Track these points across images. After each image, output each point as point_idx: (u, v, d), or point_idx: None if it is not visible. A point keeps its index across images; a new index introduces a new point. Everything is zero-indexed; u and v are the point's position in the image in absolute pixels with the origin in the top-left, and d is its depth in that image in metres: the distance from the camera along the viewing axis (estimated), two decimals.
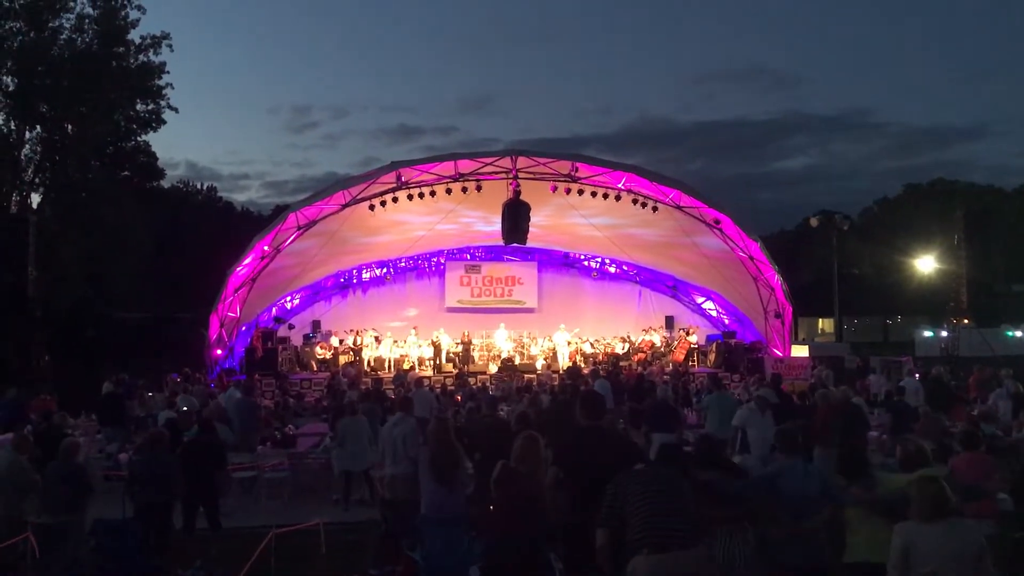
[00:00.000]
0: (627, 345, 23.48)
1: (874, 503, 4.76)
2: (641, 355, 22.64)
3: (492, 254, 25.57)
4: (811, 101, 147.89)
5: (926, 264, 30.47)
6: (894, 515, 4.31)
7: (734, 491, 5.03)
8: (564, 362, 21.90)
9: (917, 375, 14.83)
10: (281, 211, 21.98)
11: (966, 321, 28.23)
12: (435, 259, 25.75)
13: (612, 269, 26.14)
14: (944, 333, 27.82)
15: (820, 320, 40.45)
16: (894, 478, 5.05)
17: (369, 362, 22.35)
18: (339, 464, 10.02)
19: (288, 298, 23.94)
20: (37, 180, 27.77)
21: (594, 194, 18.34)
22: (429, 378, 19.88)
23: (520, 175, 17.47)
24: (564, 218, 21.03)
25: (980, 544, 3.96)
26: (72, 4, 26.43)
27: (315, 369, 22.26)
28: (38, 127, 27.05)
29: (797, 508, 4.96)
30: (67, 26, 26.51)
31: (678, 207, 18.93)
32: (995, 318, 33.50)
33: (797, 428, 5.93)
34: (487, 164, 17.62)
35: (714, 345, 23.46)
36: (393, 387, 16.62)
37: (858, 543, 4.77)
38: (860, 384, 16.71)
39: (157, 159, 32.96)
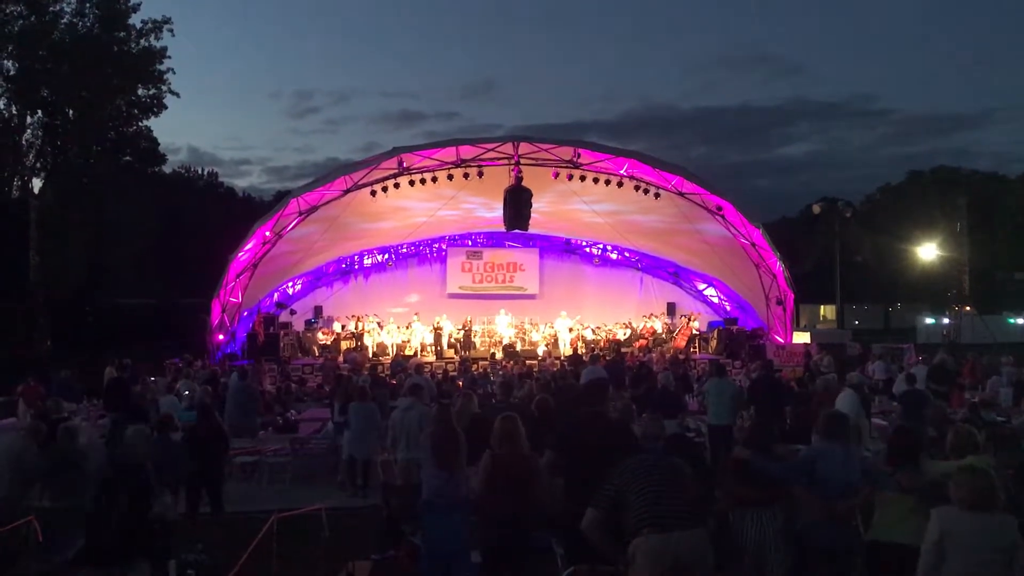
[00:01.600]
0: (629, 331, 23.51)
1: (921, 490, 4.72)
2: (643, 341, 22.67)
3: (494, 240, 25.56)
4: (814, 88, 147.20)
5: (928, 251, 30.41)
6: (940, 501, 4.25)
7: (771, 472, 5.06)
8: (565, 348, 21.92)
9: (920, 361, 14.83)
10: (282, 197, 22.00)
11: (968, 308, 28.23)
12: (437, 245, 25.74)
13: (614, 255, 26.12)
14: (946, 320, 27.86)
15: (822, 307, 40.40)
16: (941, 465, 5.03)
17: (371, 348, 22.40)
18: (346, 449, 9.95)
19: (290, 284, 23.97)
20: (38, 165, 27.79)
21: (596, 180, 18.28)
22: (431, 364, 19.93)
23: (522, 161, 17.42)
24: (566, 204, 20.99)
25: (1015, 538, 3.94)
26: None
27: (317, 355, 22.30)
28: (39, 112, 27.03)
29: (836, 492, 4.95)
30: (68, 10, 26.51)
31: (680, 193, 18.88)
32: (997, 305, 33.54)
33: (845, 414, 5.89)
34: (489, 150, 17.56)
35: (716, 332, 23.47)
36: (390, 373, 16.64)
37: (888, 523, 4.81)
38: (861, 371, 16.73)
39: (158, 144, 33.07)
